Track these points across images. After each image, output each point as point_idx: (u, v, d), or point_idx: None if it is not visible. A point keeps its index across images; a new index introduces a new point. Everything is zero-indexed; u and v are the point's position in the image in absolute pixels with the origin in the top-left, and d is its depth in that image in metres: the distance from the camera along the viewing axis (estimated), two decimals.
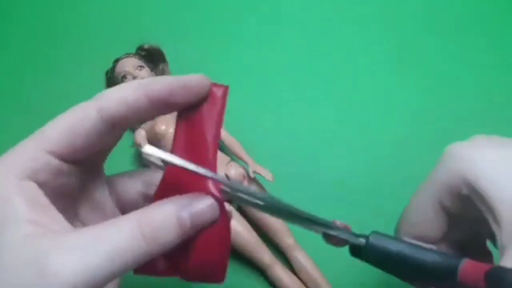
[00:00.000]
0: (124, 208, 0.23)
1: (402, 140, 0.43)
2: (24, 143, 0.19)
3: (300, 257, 0.36)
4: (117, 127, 0.19)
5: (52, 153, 0.19)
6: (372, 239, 0.22)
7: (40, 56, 0.48)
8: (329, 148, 0.43)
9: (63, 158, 0.19)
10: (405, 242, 0.22)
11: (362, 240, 0.22)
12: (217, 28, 0.50)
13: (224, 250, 0.21)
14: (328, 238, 0.22)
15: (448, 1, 0.51)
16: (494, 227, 0.20)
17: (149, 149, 0.18)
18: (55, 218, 0.18)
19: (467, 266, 0.20)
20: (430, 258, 0.21)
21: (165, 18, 0.50)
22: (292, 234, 0.37)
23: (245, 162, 0.38)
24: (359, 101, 0.45)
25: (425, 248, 0.21)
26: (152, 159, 0.20)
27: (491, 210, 0.19)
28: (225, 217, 0.20)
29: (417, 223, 0.23)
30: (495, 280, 0.19)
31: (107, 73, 0.44)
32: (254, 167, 0.38)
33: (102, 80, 0.44)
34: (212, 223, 0.19)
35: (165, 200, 0.19)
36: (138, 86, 0.19)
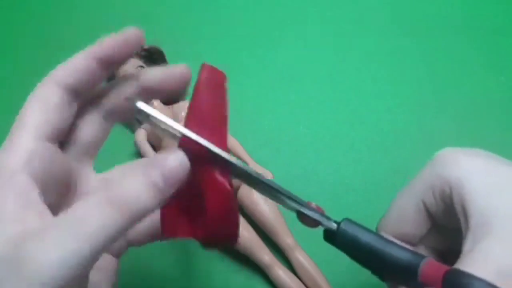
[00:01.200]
0: None
1: (402, 140, 0.43)
2: (10, 136, 0.19)
3: (300, 257, 0.36)
4: (79, 94, 0.20)
5: (38, 137, 0.19)
6: (343, 225, 0.22)
7: (40, 56, 0.48)
8: (329, 149, 0.43)
9: (48, 137, 0.19)
10: (376, 234, 0.22)
11: (334, 224, 0.22)
12: (217, 28, 0.50)
13: (234, 214, 0.21)
14: (302, 217, 0.23)
15: (456, 4, 0.51)
16: (464, 230, 0.20)
17: (147, 108, 0.19)
18: (42, 213, 0.18)
19: (428, 266, 0.20)
20: (396, 253, 0.21)
21: (165, 18, 0.50)
22: (292, 234, 0.37)
23: (245, 162, 0.38)
24: (359, 101, 0.45)
25: (394, 243, 0.21)
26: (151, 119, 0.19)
27: (465, 213, 0.19)
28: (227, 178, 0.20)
29: (398, 220, 0.23)
30: (452, 282, 0.19)
31: None
32: (254, 167, 0.38)
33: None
34: (186, 179, 0.18)
35: (131, 166, 0.19)
36: (86, 52, 0.20)
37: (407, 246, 0.22)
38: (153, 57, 0.43)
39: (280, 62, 0.48)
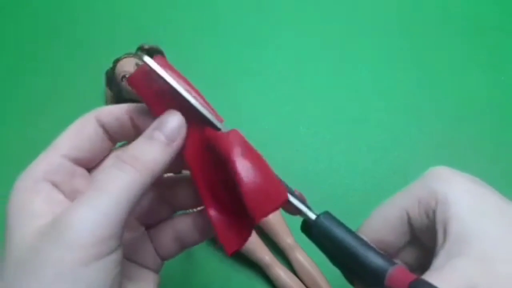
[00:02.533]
0: None
1: (402, 140, 0.43)
2: (43, 154, 0.21)
3: (300, 257, 0.36)
4: (110, 133, 0.22)
5: (64, 156, 0.21)
6: (322, 218, 0.22)
7: (40, 56, 0.48)
8: (329, 149, 0.43)
9: (74, 160, 0.21)
10: (353, 234, 0.22)
11: (313, 216, 0.22)
12: (217, 27, 0.49)
13: (267, 169, 0.22)
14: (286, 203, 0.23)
15: (457, 4, 0.51)
16: (438, 245, 0.20)
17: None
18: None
19: (396, 272, 0.20)
20: (369, 255, 0.21)
21: (165, 18, 0.50)
22: (292, 234, 0.37)
23: None
24: (359, 101, 0.45)
25: (369, 245, 0.21)
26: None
27: (444, 229, 0.20)
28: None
29: (379, 227, 0.23)
30: None
31: (107, 73, 0.43)
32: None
33: (102, 80, 0.44)
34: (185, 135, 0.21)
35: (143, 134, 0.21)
36: (126, 107, 0.22)
37: (382, 252, 0.22)
38: (152, 56, 0.43)
39: (280, 62, 0.47)
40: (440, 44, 0.48)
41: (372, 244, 0.23)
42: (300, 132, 0.44)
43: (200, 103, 0.22)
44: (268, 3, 0.51)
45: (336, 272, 0.35)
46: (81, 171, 0.22)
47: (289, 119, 0.44)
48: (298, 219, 0.38)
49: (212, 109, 0.23)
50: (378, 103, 0.45)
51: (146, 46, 0.43)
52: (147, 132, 0.21)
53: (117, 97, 0.43)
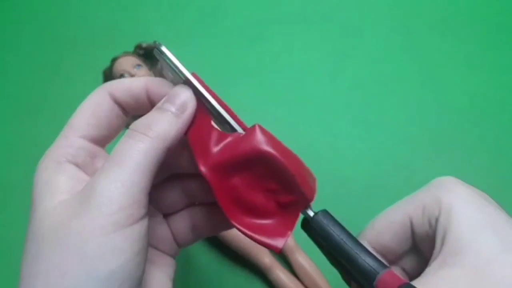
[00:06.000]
0: None
1: (403, 140, 0.43)
2: (62, 134, 0.22)
3: (301, 259, 0.36)
4: (124, 108, 0.23)
5: (84, 137, 0.22)
6: (320, 216, 0.23)
7: (38, 55, 0.48)
8: (329, 149, 0.42)
9: (92, 139, 0.22)
10: (349, 234, 0.22)
11: (311, 213, 0.23)
12: (216, 27, 0.49)
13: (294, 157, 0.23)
14: None
15: (458, 4, 0.51)
16: (435, 253, 0.21)
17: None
18: None
19: (386, 276, 0.21)
20: (362, 255, 0.21)
21: (164, 17, 0.50)
22: (292, 236, 0.37)
23: None
24: (360, 101, 0.45)
25: (363, 247, 0.22)
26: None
27: (443, 237, 0.20)
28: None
29: (382, 231, 0.24)
30: None
31: (105, 71, 0.43)
32: None
33: (100, 78, 0.43)
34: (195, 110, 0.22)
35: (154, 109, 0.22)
36: (143, 81, 0.23)
37: (377, 255, 0.22)
38: (150, 55, 0.43)
39: (280, 62, 0.47)
40: (442, 43, 0.48)
41: (369, 247, 0.23)
42: (300, 132, 0.43)
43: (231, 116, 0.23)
44: (269, 3, 0.51)
45: (336, 274, 0.35)
46: (101, 151, 0.23)
47: (289, 118, 0.44)
48: (299, 219, 0.37)
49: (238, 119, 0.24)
50: (379, 103, 0.45)
51: (144, 45, 0.43)
52: (159, 104, 0.21)
53: None
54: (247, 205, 0.23)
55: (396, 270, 0.24)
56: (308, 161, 0.41)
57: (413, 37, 0.48)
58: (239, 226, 0.22)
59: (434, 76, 0.46)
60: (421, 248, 0.23)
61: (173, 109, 0.21)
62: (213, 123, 0.23)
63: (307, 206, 0.23)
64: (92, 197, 0.18)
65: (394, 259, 0.24)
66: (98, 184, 0.19)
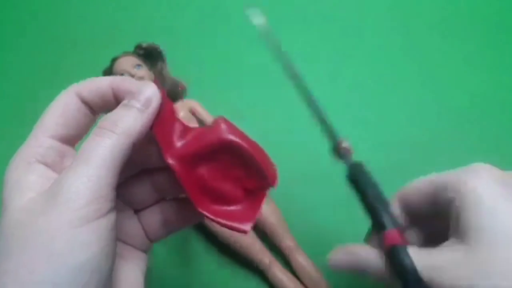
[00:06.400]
0: None
1: (403, 140, 0.43)
2: (32, 134, 0.22)
3: (301, 259, 0.36)
4: (92, 107, 0.24)
5: (53, 137, 0.22)
6: (353, 166, 0.28)
7: (40, 56, 0.48)
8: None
9: (61, 139, 0.23)
10: (376, 187, 0.27)
11: (348, 162, 0.28)
12: (216, 26, 0.49)
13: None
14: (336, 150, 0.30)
15: (458, 4, 0.51)
16: (453, 227, 0.23)
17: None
18: None
19: (393, 232, 0.24)
20: (380, 207, 0.25)
21: (164, 17, 0.50)
22: (292, 236, 0.37)
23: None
24: (360, 101, 0.45)
25: (386, 203, 0.26)
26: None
27: (462, 213, 0.22)
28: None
29: (409, 192, 0.27)
30: (393, 251, 0.23)
31: (105, 71, 0.43)
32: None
33: None
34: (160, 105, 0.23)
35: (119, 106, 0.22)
36: (109, 80, 0.23)
37: (400, 213, 0.26)
38: (151, 55, 0.43)
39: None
40: (442, 43, 0.48)
41: (395, 205, 0.27)
42: (299, 132, 0.43)
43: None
44: (269, 2, 0.51)
45: (337, 274, 0.35)
46: (70, 150, 0.23)
47: (288, 118, 0.44)
48: (299, 220, 0.38)
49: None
50: (380, 103, 0.45)
51: (144, 45, 0.43)
52: (124, 101, 0.22)
53: None
54: (214, 193, 0.24)
55: (416, 233, 0.27)
56: (308, 161, 0.41)
57: (413, 37, 0.48)
58: (207, 214, 0.23)
59: (434, 76, 0.46)
60: (440, 221, 0.25)
61: (138, 105, 0.22)
62: (178, 116, 0.24)
63: (270, 189, 0.25)
64: (59, 194, 0.19)
65: (418, 222, 0.27)
66: (65, 181, 0.19)
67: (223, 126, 0.23)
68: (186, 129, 0.24)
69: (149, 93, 0.22)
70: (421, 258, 0.23)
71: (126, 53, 0.42)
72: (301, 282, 0.35)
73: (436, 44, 0.48)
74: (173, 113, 0.24)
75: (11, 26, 0.50)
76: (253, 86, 0.46)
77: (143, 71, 0.41)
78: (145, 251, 0.26)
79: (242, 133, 0.24)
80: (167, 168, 0.23)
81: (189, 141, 0.23)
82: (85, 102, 0.23)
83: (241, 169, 0.24)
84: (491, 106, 0.44)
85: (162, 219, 0.26)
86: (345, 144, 0.29)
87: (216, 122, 0.24)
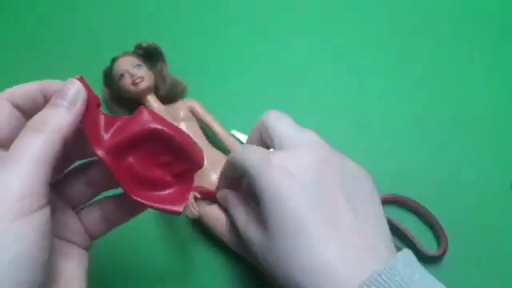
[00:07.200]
0: None
1: (404, 140, 0.43)
2: None
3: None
4: (24, 111, 0.25)
5: None
6: None
7: (39, 55, 0.48)
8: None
9: None
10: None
11: None
12: (216, 25, 0.49)
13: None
14: None
15: (457, 4, 0.51)
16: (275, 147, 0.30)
17: None
18: None
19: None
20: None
21: (163, 17, 0.50)
22: None
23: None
24: (360, 101, 0.45)
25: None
26: None
27: (274, 139, 0.30)
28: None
29: (252, 139, 0.33)
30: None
31: (105, 71, 0.43)
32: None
33: (101, 78, 0.43)
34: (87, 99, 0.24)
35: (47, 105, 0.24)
36: (37, 83, 0.25)
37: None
38: (151, 55, 0.43)
39: (280, 62, 0.47)
40: (443, 44, 0.48)
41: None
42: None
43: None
44: (269, 2, 0.51)
45: None
46: (3, 152, 0.24)
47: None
48: None
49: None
50: (380, 104, 0.45)
51: (144, 45, 0.43)
52: (51, 101, 0.23)
53: (115, 96, 0.43)
54: (145, 180, 0.25)
55: None
56: None
57: (413, 37, 0.48)
58: (140, 200, 0.25)
59: (434, 76, 0.46)
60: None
61: (65, 103, 0.23)
62: (102, 110, 0.25)
63: (193, 175, 0.26)
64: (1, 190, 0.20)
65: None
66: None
67: (145, 115, 0.24)
68: (111, 121, 0.25)
69: (74, 90, 0.23)
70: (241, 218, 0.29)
71: (126, 53, 0.42)
72: None
73: (436, 44, 0.48)
74: (97, 106, 0.25)
75: (11, 26, 0.50)
76: (253, 86, 0.45)
77: (143, 71, 0.41)
78: (86, 248, 0.27)
79: (165, 120, 0.25)
80: (99, 162, 0.24)
81: (115, 132, 0.24)
82: (17, 107, 0.24)
83: (168, 154, 0.25)
84: (491, 106, 0.44)
85: (102, 215, 0.27)
86: None
87: (138, 111, 0.25)
